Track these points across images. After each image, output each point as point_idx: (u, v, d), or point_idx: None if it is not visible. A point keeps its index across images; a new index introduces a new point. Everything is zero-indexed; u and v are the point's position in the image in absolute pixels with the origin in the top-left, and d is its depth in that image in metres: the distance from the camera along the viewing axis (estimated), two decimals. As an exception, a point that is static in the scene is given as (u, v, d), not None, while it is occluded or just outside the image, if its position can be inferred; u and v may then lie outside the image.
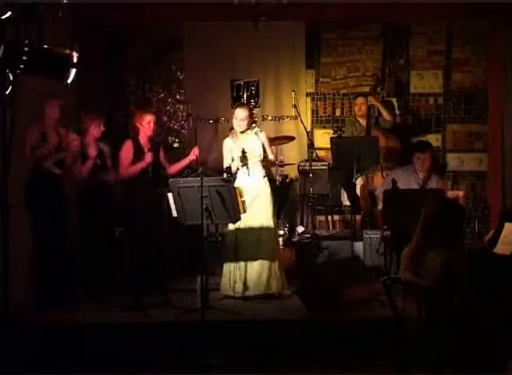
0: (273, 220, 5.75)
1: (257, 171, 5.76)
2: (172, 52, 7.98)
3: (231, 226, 5.69)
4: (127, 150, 5.93)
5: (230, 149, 5.77)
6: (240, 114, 5.73)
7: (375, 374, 4.47)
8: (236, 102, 7.49)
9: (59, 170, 5.59)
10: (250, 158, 5.73)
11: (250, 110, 5.90)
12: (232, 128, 7.05)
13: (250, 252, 5.64)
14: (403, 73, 7.98)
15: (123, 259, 5.67)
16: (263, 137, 5.85)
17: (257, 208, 5.65)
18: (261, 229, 5.67)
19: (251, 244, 5.65)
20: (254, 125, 5.90)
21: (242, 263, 5.65)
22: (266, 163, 5.87)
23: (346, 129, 7.43)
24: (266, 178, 5.81)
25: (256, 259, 5.63)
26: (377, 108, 7.54)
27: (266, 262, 5.63)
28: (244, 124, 5.73)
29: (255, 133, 5.82)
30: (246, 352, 4.71)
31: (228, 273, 5.69)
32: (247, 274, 5.64)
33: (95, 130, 5.88)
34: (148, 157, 5.80)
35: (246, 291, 5.63)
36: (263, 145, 5.80)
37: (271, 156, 5.91)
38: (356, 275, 5.36)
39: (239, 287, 5.61)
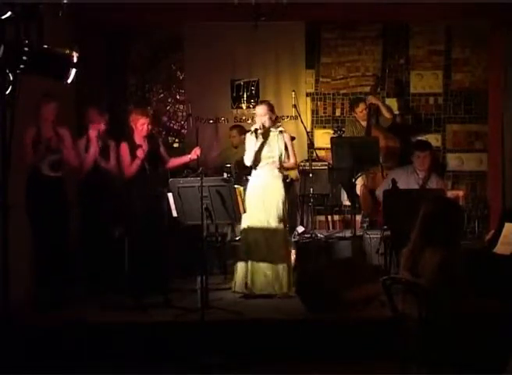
0: (284, 222, 5.74)
1: (270, 172, 5.76)
2: (172, 52, 7.98)
3: (243, 226, 5.72)
4: (124, 152, 5.91)
5: (253, 145, 5.74)
6: (259, 110, 5.79)
7: (375, 374, 4.48)
8: (237, 102, 7.56)
9: (55, 173, 5.58)
10: (266, 158, 5.74)
11: (270, 106, 5.85)
12: (234, 126, 7.08)
13: (260, 253, 5.66)
14: (403, 73, 7.98)
15: (123, 259, 5.66)
16: (286, 137, 5.84)
17: (268, 209, 5.66)
18: (271, 230, 5.68)
19: (261, 244, 5.67)
20: (279, 124, 5.88)
21: (252, 263, 5.66)
22: (282, 167, 5.80)
23: (346, 129, 7.43)
24: (280, 180, 5.81)
25: (266, 260, 5.65)
26: (377, 108, 7.53)
27: (275, 264, 5.65)
28: (265, 119, 5.73)
29: (279, 132, 5.81)
30: (246, 352, 4.72)
31: (241, 271, 5.70)
32: (256, 274, 5.66)
33: (98, 126, 5.90)
34: (140, 152, 5.80)
35: (257, 291, 5.66)
36: (286, 147, 5.79)
37: (292, 159, 5.86)
38: (356, 275, 5.36)
39: (250, 285, 5.64)
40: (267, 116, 5.74)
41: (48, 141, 5.50)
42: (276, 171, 5.78)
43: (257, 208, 5.64)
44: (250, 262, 5.67)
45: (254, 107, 7.85)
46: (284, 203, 5.76)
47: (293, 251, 6.43)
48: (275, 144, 5.77)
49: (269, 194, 5.70)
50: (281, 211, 5.71)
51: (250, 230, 5.70)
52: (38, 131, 5.49)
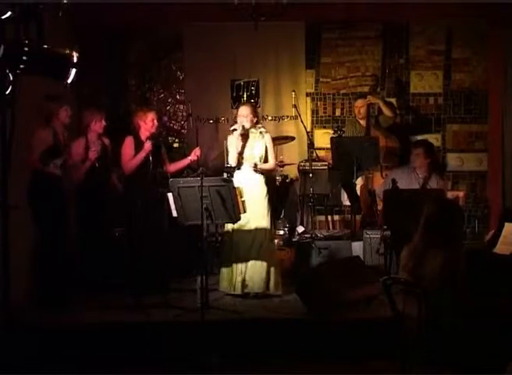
0: (269, 221, 5.75)
1: (251, 172, 5.75)
2: (172, 52, 7.97)
3: (228, 227, 5.72)
4: (128, 145, 5.93)
5: (234, 146, 5.76)
6: (242, 111, 5.77)
7: (375, 374, 4.48)
8: (237, 102, 7.55)
9: (61, 172, 5.61)
10: (248, 159, 5.74)
11: (253, 107, 5.91)
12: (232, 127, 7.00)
13: (246, 252, 5.65)
14: (403, 73, 7.97)
15: (123, 259, 5.66)
16: (267, 138, 5.83)
17: (253, 209, 5.63)
18: (257, 229, 5.67)
19: (247, 244, 5.66)
20: (259, 125, 5.86)
21: (239, 262, 5.65)
22: (262, 169, 5.77)
23: (346, 129, 7.42)
24: (263, 179, 5.79)
25: (252, 259, 5.64)
26: (377, 107, 7.54)
27: (262, 262, 5.64)
28: (247, 120, 5.73)
29: (260, 132, 5.81)
30: (246, 352, 4.72)
31: (226, 271, 5.70)
32: (245, 274, 5.64)
33: (97, 125, 5.91)
34: (148, 145, 5.80)
35: (244, 289, 5.65)
36: (266, 147, 5.79)
37: (271, 161, 5.84)
38: (356, 275, 5.36)
39: (238, 285, 5.63)
40: (248, 118, 5.74)
41: (64, 147, 5.56)
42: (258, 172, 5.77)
43: None
44: (234, 262, 5.66)
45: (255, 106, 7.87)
46: (268, 202, 5.75)
47: (291, 251, 6.45)
48: (256, 145, 5.77)
49: (251, 194, 5.65)
50: (264, 210, 5.71)
51: (234, 229, 5.69)
52: (53, 135, 5.51)
